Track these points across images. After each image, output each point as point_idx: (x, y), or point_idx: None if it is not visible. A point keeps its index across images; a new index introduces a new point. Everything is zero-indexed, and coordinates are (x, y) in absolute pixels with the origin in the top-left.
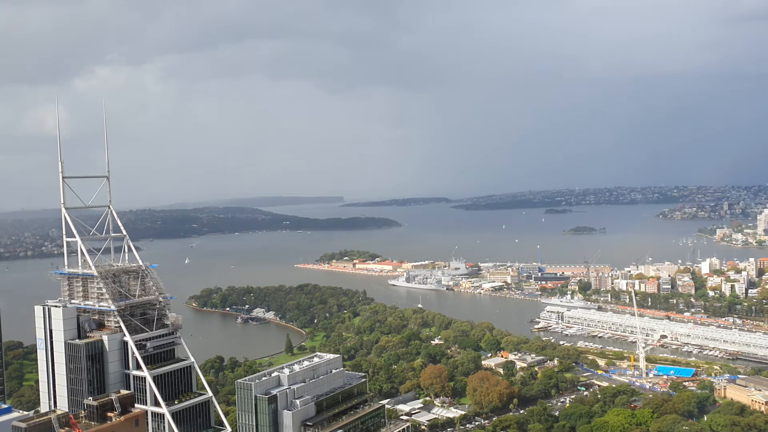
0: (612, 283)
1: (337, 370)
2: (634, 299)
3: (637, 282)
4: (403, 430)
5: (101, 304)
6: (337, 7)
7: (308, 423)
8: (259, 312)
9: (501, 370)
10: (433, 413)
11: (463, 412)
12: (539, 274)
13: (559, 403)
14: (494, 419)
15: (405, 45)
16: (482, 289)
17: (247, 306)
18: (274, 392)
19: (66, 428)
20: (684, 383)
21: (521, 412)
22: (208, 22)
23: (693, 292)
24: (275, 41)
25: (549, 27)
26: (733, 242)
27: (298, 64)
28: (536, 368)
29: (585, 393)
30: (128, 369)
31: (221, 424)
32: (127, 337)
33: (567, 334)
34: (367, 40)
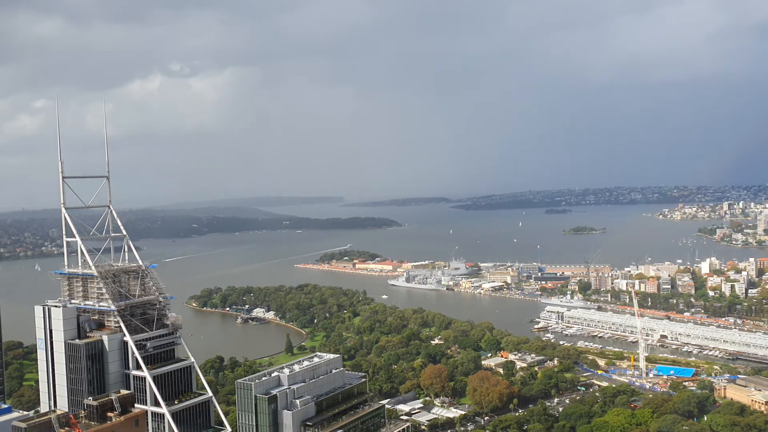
0: (612, 283)
1: (337, 370)
2: (634, 299)
3: (637, 282)
4: (403, 430)
5: (101, 304)
6: (389, 31)
7: (308, 423)
8: (259, 312)
9: (501, 370)
10: (433, 413)
11: (463, 412)
12: (539, 274)
13: (559, 403)
14: (494, 419)
15: (437, 58)
16: (482, 289)
17: (247, 306)
18: (274, 392)
19: (66, 428)
20: (684, 383)
21: (521, 412)
22: (271, 40)
23: (693, 292)
24: (325, 57)
25: (560, 39)
26: (733, 242)
27: (338, 74)
28: (536, 368)
29: (585, 393)
30: (128, 369)
31: (221, 424)
32: (127, 337)
33: (567, 334)
34: (407, 56)
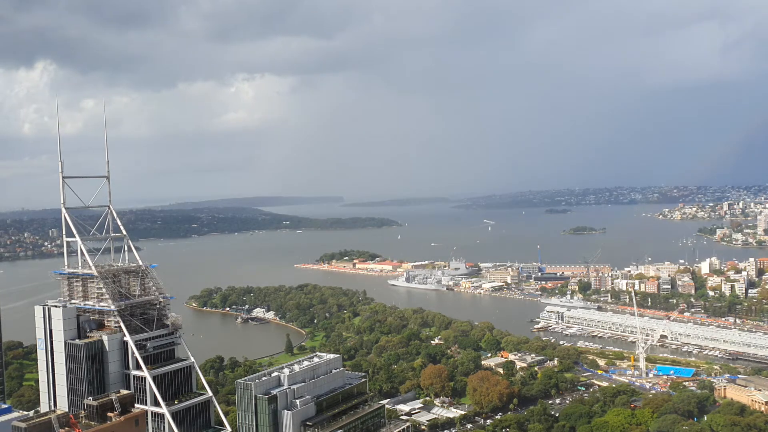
0: (612, 283)
1: (337, 370)
2: (634, 299)
3: (637, 282)
4: (403, 430)
5: (101, 304)
6: (418, 45)
7: (308, 423)
8: (259, 312)
9: (501, 370)
10: (433, 413)
11: (463, 412)
12: (539, 274)
13: (559, 403)
14: (494, 419)
15: (452, 68)
16: (482, 289)
17: (247, 306)
18: (274, 392)
19: (66, 428)
20: (684, 383)
21: (521, 412)
22: (319, 54)
23: (693, 292)
24: (359, 68)
25: (572, 52)
26: (733, 242)
27: (365, 83)
28: (536, 368)
29: (585, 393)
30: (128, 369)
31: (221, 424)
32: (127, 337)
33: (567, 334)
34: (428, 66)
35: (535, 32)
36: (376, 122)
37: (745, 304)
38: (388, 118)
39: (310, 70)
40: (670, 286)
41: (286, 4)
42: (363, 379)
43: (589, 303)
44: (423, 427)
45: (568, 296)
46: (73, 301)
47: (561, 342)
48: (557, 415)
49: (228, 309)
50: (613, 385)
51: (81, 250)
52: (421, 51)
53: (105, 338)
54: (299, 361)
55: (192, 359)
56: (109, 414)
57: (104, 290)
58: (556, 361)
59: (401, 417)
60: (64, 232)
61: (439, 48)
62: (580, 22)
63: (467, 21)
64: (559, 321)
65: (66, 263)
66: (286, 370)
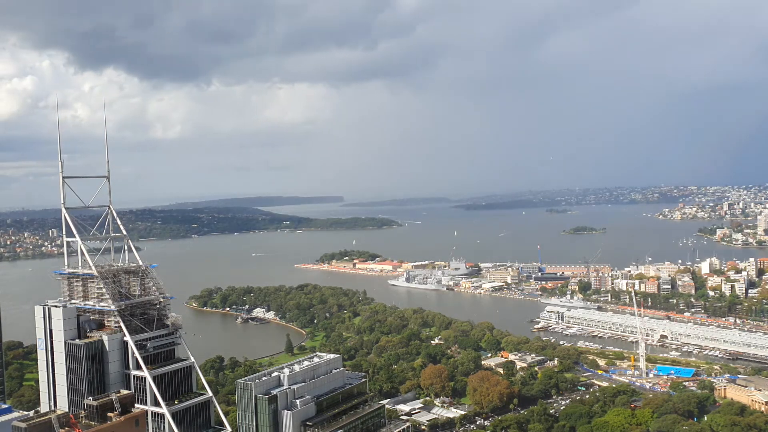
0: (612, 283)
1: (337, 370)
2: (634, 299)
3: (637, 282)
4: (403, 430)
5: (101, 304)
6: (443, 53)
7: (308, 423)
8: (259, 312)
9: (501, 370)
10: (433, 413)
11: (463, 412)
12: (539, 274)
13: (559, 403)
14: (494, 419)
15: (461, 74)
16: (482, 289)
17: (247, 306)
18: (274, 392)
19: (66, 428)
20: (684, 383)
21: (521, 412)
22: (354, 64)
23: (693, 292)
24: (386, 76)
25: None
26: (733, 242)
27: (385, 90)
28: (536, 368)
29: (585, 393)
30: (128, 369)
31: (221, 424)
32: (128, 337)
33: (567, 334)
34: (446, 73)
35: (551, 44)
36: (388, 126)
37: (745, 304)
38: (401, 122)
39: (344, 77)
40: (670, 286)
41: (353, 22)
42: (363, 379)
43: (589, 303)
44: (423, 427)
45: (568, 296)
46: (73, 301)
47: (561, 342)
48: (557, 415)
49: (228, 309)
50: (613, 385)
51: (81, 250)
52: (450, 59)
53: (105, 338)
54: (299, 361)
55: (192, 359)
56: (109, 414)
57: (104, 290)
58: (556, 361)
59: (401, 417)
60: (64, 232)
61: (465, 57)
62: (592, 34)
63: (492, 33)
64: (559, 321)
65: (66, 263)
66: (286, 370)
